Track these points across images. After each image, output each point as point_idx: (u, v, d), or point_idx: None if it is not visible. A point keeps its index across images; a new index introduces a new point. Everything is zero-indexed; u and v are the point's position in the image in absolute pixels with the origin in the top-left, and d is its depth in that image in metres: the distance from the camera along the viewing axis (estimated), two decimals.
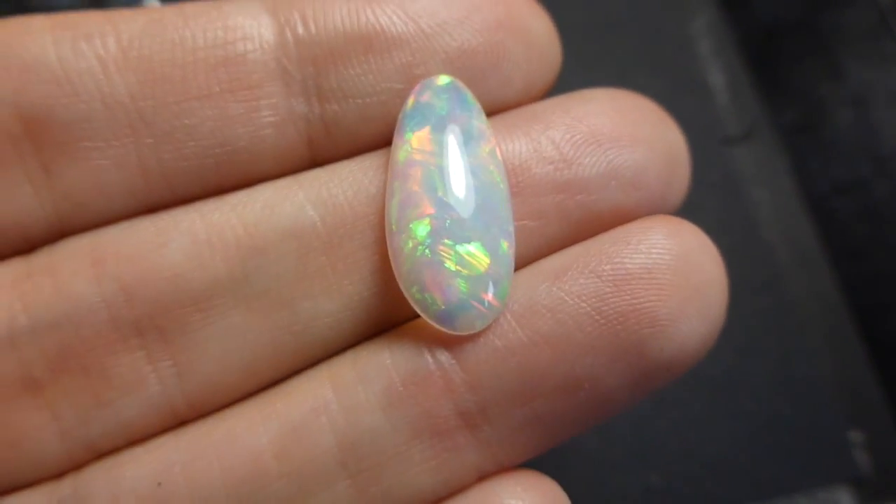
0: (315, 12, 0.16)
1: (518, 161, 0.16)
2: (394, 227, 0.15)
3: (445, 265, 0.15)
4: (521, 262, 0.16)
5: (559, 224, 0.16)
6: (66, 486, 0.15)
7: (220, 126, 0.16)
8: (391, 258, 0.15)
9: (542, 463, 0.17)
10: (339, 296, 0.16)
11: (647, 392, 0.16)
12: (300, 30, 0.16)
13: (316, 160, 0.17)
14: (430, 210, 0.15)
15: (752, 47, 0.34)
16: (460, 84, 0.16)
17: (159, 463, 0.15)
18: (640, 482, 0.28)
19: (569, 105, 0.17)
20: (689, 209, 0.18)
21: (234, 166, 0.16)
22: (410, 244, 0.15)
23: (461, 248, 0.15)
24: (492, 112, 0.17)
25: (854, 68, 0.34)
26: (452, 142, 0.16)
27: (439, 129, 0.16)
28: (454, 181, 0.16)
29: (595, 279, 0.15)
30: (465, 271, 0.15)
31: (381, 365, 0.15)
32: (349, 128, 0.16)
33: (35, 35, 0.15)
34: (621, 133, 0.16)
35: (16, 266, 0.16)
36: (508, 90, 0.17)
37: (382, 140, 0.17)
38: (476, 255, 0.15)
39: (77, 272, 0.15)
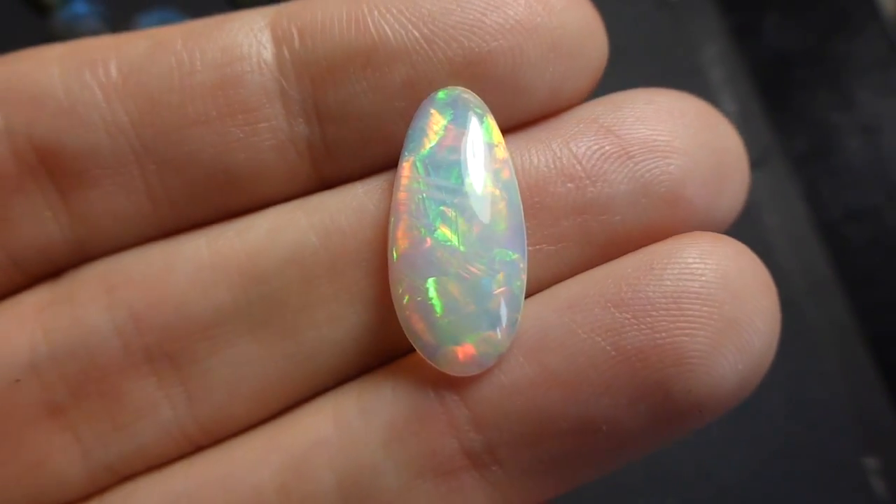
0: (312, 23, 0.15)
1: (535, 179, 0.15)
2: (394, 258, 0.15)
3: (440, 303, 0.14)
4: (537, 287, 0.15)
5: (580, 248, 0.15)
6: None
7: (221, 151, 0.15)
8: (391, 289, 0.15)
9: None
10: (343, 325, 0.15)
11: (677, 435, 0.14)
12: (297, 45, 0.15)
13: (323, 181, 0.16)
14: (427, 244, 0.14)
15: (764, 76, 0.35)
16: (467, 96, 0.15)
17: (170, 494, 0.15)
18: None
19: (598, 112, 0.15)
20: None
21: (239, 190, 0.16)
22: (403, 281, 0.14)
23: (457, 285, 0.14)
24: (512, 124, 0.15)
25: (864, 97, 0.34)
26: (455, 165, 0.15)
27: (442, 152, 0.15)
28: (455, 211, 0.14)
29: (612, 310, 0.14)
30: (463, 309, 0.14)
31: (383, 400, 0.15)
32: (351, 150, 0.15)
33: (45, 66, 0.15)
34: (656, 142, 0.15)
35: (40, 294, 0.16)
36: (529, 99, 0.15)
37: (390, 160, 0.16)
38: (475, 292, 0.14)
39: (92, 300, 0.16)
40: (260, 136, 0.15)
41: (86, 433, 0.16)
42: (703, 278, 0.13)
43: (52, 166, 0.15)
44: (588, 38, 0.15)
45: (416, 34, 0.15)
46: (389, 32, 0.15)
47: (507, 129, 0.15)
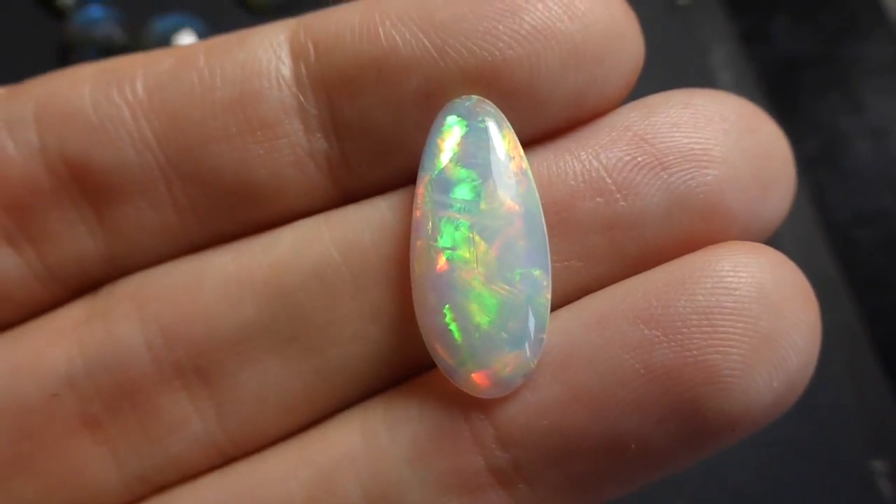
0: (326, 36, 0.15)
1: (561, 193, 0.14)
2: (415, 278, 0.14)
3: (459, 326, 0.14)
4: (564, 300, 0.14)
5: (611, 263, 0.14)
6: None
7: (242, 167, 0.15)
8: (415, 308, 0.15)
9: None
10: (367, 341, 0.15)
11: (709, 452, 0.14)
12: (312, 59, 0.15)
13: (345, 195, 0.16)
14: (445, 265, 0.14)
15: (772, 79, 0.35)
16: (483, 106, 0.14)
17: None
18: None
19: (630, 118, 0.14)
20: None
21: (262, 205, 0.16)
22: (426, 305, 0.14)
23: (478, 306, 0.14)
24: (534, 134, 0.15)
25: (873, 101, 0.34)
26: (472, 181, 0.14)
27: (457, 167, 0.14)
28: (472, 230, 0.14)
29: (641, 326, 0.13)
30: (485, 331, 0.14)
31: (410, 417, 0.15)
32: (370, 163, 0.15)
33: (77, 85, 0.16)
34: (693, 150, 0.14)
35: (78, 309, 0.16)
36: (549, 109, 0.14)
37: (411, 173, 0.15)
38: (497, 313, 0.14)
39: (125, 315, 0.16)
40: (280, 151, 0.15)
41: (120, 445, 0.16)
42: (738, 292, 0.13)
43: (84, 182, 0.16)
44: (616, 40, 0.14)
45: (427, 43, 0.14)
46: (400, 42, 0.14)
47: (532, 140, 0.15)
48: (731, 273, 0.13)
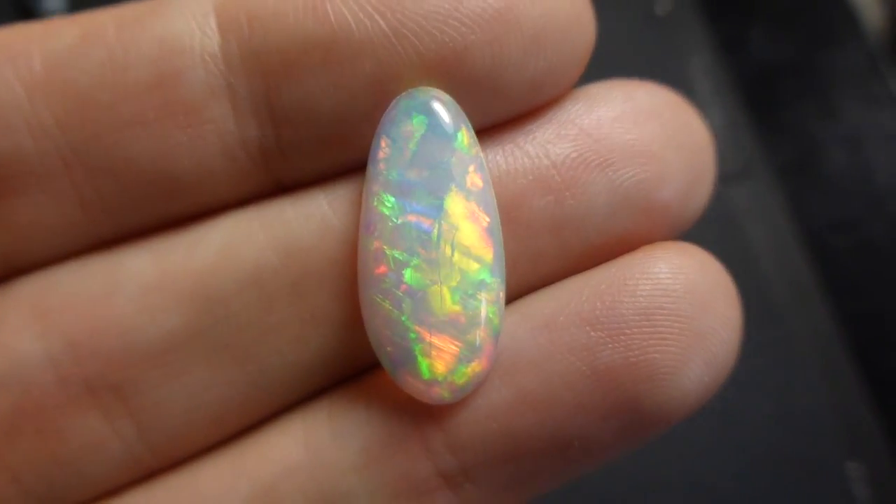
0: (264, 10, 0.13)
1: (512, 193, 0.14)
2: (365, 282, 0.14)
3: (415, 333, 0.13)
4: (511, 297, 0.14)
5: (558, 261, 0.14)
6: None
7: (161, 156, 0.14)
8: (363, 313, 0.14)
9: (546, 497, 0.16)
10: (308, 347, 0.14)
11: (642, 443, 0.14)
12: (246, 35, 0.13)
13: (278, 185, 0.15)
14: (402, 270, 0.13)
15: (750, 88, 0.35)
16: (442, 100, 0.13)
17: None
18: None
19: (575, 112, 0.14)
20: None
21: (183, 197, 0.14)
22: (378, 309, 0.13)
23: (433, 312, 0.13)
24: (486, 124, 0.14)
25: (847, 109, 0.35)
26: (430, 183, 0.13)
27: (412, 166, 0.13)
28: (430, 234, 0.13)
29: (587, 329, 0.13)
30: (440, 338, 0.13)
31: (357, 423, 0.14)
32: (310, 153, 0.14)
33: None
34: (635, 148, 0.14)
35: None
36: (507, 98, 0.14)
37: (353, 164, 0.14)
38: (453, 320, 0.13)
39: (22, 327, 0.14)
40: (205, 138, 0.14)
41: (24, 472, 0.14)
42: (675, 294, 0.14)
43: None
44: (575, 25, 0.14)
45: (383, 25, 0.13)
46: (352, 22, 0.13)
47: (482, 129, 0.14)
48: (669, 276, 0.14)
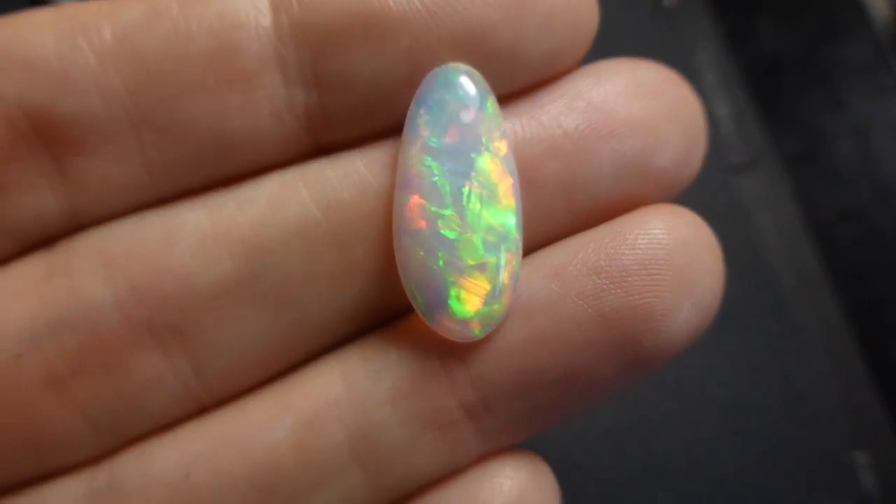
0: None
1: (527, 157, 0.16)
2: (403, 234, 0.15)
3: (448, 279, 0.15)
4: (527, 250, 0.16)
5: (567, 219, 0.16)
6: (102, 474, 0.16)
7: (218, 119, 0.15)
8: (398, 265, 0.15)
9: (562, 483, 0.17)
10: (347, 295, 0.16)
11: (639, 379, 0.16)
12: (295, 11, 0.15)
13: (320, 148, 0.16)
14: (432, 225, 0.15)
15: (756, 79, 0.35)
16: (471, 73, 0.15)
17: (186, 454, 0.16)
18: (650, 500, 0.28)
19: (584, 87, 0.16)
20: None
21: (237, 158, 0.16)
22: (413, 258, 0.15)
23: (464, 261, 0.15)
24: (506, 97, 0.16)
25: (854, 100, 0.35)
26: (459, 145, 0.15)
27: (445, 131, 0.15)
28: (465, 191, 0.15)
29: (594, 277, 0.15)
30: (470, 284, 0.15)
31: (389, 363, 0.16)
32: (352, 119, 0.16)
33: (37, 31, 0.15)
34: (638, 118, 0.16)
35: (36, 264, 0.16)
36: (525, 71, 0.16)
37: (392, 129, 0.16)
38: (482, 268, 0.15)
39: (90, 273, 0.15)
40: (257, 103, 0.15)
41: (89, 405, 0.16)
42: (669, 247, 0.15)
43: (46, 133, 0.15)
44: (583, 6, 0.16)
45: (418, 4, 0.15)
46: (391, 1, 0.15)
47: (501, 103, 0.16)
48: (663, 232, 0.15)
